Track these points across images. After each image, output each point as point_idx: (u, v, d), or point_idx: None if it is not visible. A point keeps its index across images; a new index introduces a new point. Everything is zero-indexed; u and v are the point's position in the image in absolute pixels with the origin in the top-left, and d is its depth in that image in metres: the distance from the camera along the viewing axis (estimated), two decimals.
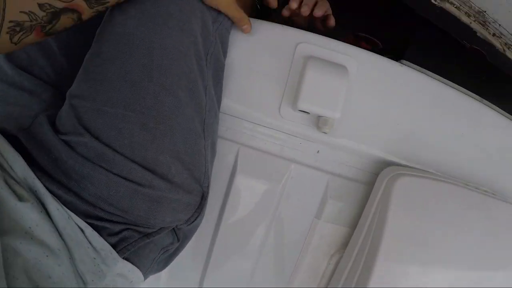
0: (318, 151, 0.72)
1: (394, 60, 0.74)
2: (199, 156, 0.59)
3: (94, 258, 0.50)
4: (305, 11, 0.73)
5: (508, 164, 0.86)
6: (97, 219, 0.51)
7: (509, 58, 1.16)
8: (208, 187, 0.63)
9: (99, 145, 0.50)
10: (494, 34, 1.11)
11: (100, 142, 0.50)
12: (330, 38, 0.70)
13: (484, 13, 1.05)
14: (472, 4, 1.04)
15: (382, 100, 0.71)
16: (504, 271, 0.74)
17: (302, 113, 0.68)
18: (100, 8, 0.51)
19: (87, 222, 0.50)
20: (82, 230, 0.50)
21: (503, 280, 0.73)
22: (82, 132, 0.50)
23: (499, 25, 1.07)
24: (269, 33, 0.69)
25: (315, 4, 0.75)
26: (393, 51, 0.83)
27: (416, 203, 0.67)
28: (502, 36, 1.11)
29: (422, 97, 0.74)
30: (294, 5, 0.73)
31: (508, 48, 1.15)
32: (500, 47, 1.13)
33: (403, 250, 0.65)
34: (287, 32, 0.70)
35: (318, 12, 0.73)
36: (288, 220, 0.76)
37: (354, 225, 0.77)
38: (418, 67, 0.76)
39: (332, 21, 0.80)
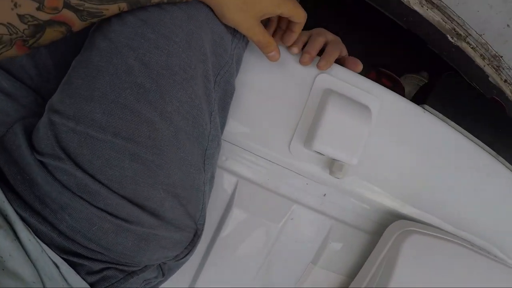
0: (324, 194, 0.65)
1: (417, 103, 0.67)
2: (197, 192, 0.51)
3: None
4: (305, 62, 0.60)
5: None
6: (74, 255, 0.44)
7: None
8: (203, 224, 0.55)
9: (82, 174, 0.41)
10: (506, 81, 1.07)
11: (83, 172, 0.41)
12: (353, 72, 0.62)
13: (501, 58, 1.00)
14: (489, 47, 0.99)
15: (400, 147, 0.65)
16: None
17: (315, 153, 0.60)
18: (95, 20, 0.42)
19: (63, 258, 0.43)
20: (57, 266, 0.42)
21: None
22: (62, 157, 0.41)
23: None
24: (287, 57, 0.61)
25: (323, 47, 0.62)
26: (417, 94, 0.76)
27: (424, 263, 0.63)
28: None
29: (440, 148, 0.68)
30: (294, 50, 0.60)
31: None
32: (510, 94, 1.09)
33: None
34: None
35: (325, 65, 0.59)
36: (282, 262, 0.68)
37: (351, 274, 0.70)
38: (440, 115, 0.70)
39: (354, 66, 0.64)
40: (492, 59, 1.02)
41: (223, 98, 0.54)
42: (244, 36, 0.54)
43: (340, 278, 0.71)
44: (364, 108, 0.59)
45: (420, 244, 0.62)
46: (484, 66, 1.02)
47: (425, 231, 0.64)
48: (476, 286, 0.69)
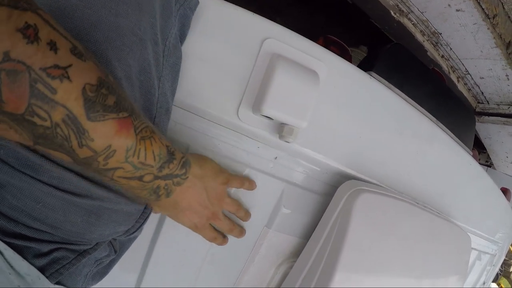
0: (276, 157, 0.60)
1: (364, 70, 0.63)
2: None
3: (19, 286, 0.36)
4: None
5: (451, 185, 0.81)
6: (19, 238, 0.37)
7: (452, 80, 1.12)
8: None
9: (21, 147, 0.34)
10: (443, 56, 1.06)
11: (20, 147, 0.34)
12: (301, 36, 0.57)
13: (440, 35, 0.99)
14: (430, 24, 0.97)
15: (347, 111, 0.61)
16: (443, 279, 0.75)
17: (264, 117, 0.54)
18: None
19: (6, 242, 0.36)
20: (0, 253, 0.36)
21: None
22: None
23: (450, 49, 1.02)
24: (234, 21, 0.54)
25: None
26: (364, 61, 0.72)
27: (375, 219, 0.61)
28: (450, 59, 1.06)
29: (385, 112, 0.65)
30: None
31: (453, 72, 1.11)
32: (446, 69, 1.09)
33: (361, 262, 0.59)
34: (254, 23, 0.55)
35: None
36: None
37: (306, 235, 0.66)
38: (386, 82, 0.66)
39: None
40: (431, 35, 1.00)
41: (174, 62, 0.47)
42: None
43: (295, 239, 0.66)
44: (312, 73, 0.54)
45: (371, 202, 0.59)
46: (424, 41, 1.01)
47: (374, 190, 0.61)
48: (424, 238, 0.68)
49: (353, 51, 1.18)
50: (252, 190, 0.59)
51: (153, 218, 0.59)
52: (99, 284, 0.54)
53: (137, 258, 0.61)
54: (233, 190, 0.59)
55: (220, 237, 0.57)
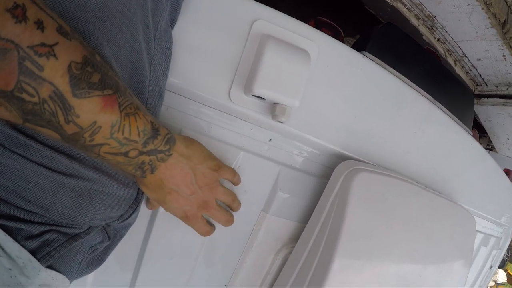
0: (270, 139, 0.58)
1: (356, 50, 0.61)
2: None
3: (10, 269, 0.36)
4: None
5: (452, 166, 0.79)
6: (10, 219, 0.37)
7: (449, 64, 1.10)
8: None
9: (9, 129, 0.34)
10: (438, 39, 1.04)
11: (10, 127, 0.34)
12: (291, 18, 0.55)
13: (434, 18, 0.96)
14: (424, 8, 0.95)
15: (341, 91, 0.59)
16: (448, 263, 0.73)
17: (256, 98, 0.53)
18: None
19: None
20: None
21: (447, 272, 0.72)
22: None
23: (446, 31, 0.99)
24: (223, 3, 0.52)
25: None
26: (356, 41, 0.70)
27: (374, 199, 0.58)
28: (446, 43, 1.04)
29: (380, 92, 0.63)
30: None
31: (450, 55, 1.08)
32: (443, 52, 1.06)
33: (361, 244, 0.56)
34: (244, 5, 0.53)
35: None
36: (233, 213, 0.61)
37: (304, 219, 0.64)
38: (379, 61, 0.64)
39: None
40: (426, 19, 0.98)
41: (167, 48, 0.46)
42: None
43: (293, 224, 0.64)
44: (303, 51, 0.53)
45: (369, 181, 0.57)
46: (419, 25, 0.98)
47: (372, 169, 0.59)
48: (425, 218, 0.66)
49: (349, 40, 1.16)
50: (237, 185, 0.57)
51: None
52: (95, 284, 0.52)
53: (134, 245, 0.60)
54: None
55: (213, 231, 0.55)
